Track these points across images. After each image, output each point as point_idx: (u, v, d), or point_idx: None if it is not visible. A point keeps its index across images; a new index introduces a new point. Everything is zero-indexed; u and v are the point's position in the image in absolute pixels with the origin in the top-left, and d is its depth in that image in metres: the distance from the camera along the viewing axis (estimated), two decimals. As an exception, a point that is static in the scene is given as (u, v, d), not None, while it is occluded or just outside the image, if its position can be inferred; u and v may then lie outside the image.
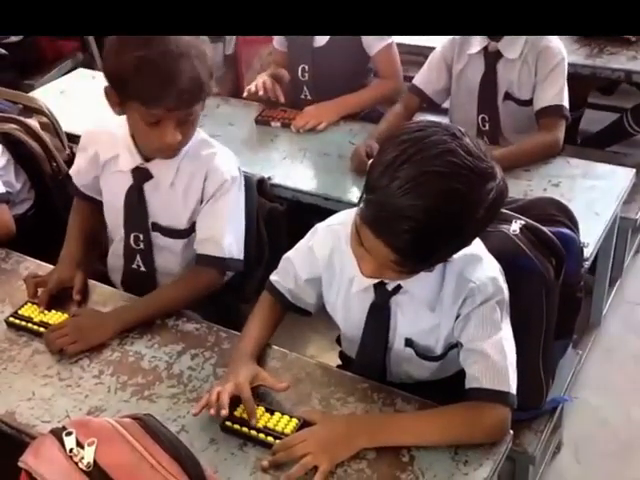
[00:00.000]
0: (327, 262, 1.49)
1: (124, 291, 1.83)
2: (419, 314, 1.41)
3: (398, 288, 1.40)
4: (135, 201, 1.78)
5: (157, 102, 1.54)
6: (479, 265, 1.37)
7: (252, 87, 2.49)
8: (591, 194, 2.01)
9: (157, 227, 1.80)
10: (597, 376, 2.35)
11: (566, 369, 1.81)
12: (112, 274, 1.94)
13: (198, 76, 1.55)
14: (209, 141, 1.78)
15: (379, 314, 1.45)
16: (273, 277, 1.59)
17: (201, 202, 1.75)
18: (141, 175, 1.75)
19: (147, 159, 1.73)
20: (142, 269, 1.85)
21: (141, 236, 1.81)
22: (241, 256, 1.76)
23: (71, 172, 1.91)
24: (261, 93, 2.46)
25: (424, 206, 1.16)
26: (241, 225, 1.78)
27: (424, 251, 1.21)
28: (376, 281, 1.40)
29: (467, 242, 1.29)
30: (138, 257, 1.85)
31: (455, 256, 1.35)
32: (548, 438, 1.77)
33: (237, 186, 1.76)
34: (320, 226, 1.53)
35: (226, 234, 1.72)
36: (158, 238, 1.81)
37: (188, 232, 1.79)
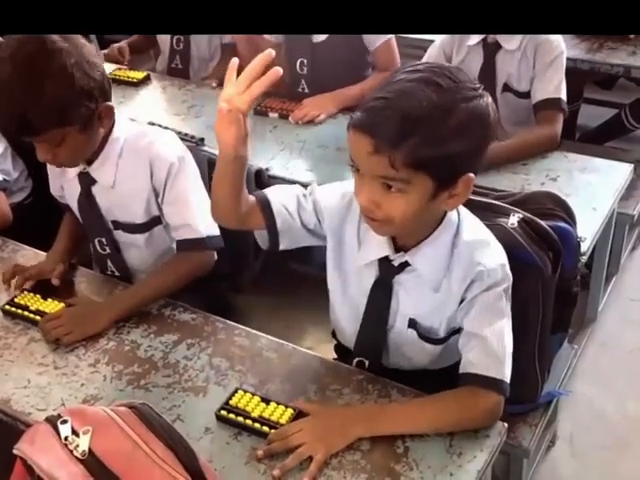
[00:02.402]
0: (337, 228, 1.44)
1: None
2: (422, 294, 1.40)
3: (404, 265, 1.39)
4: (87, 206, 1.78)
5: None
6: (488, 250, 1.36)
7: None
8: (589, 189, 2.00)
9: (118, 225, 1.80)
10: (593, 370, 2.35)
11: (562, 363, 1.81)
12: None
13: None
14: (145, 131, 1.77)
15: (381, 292, 1.43)
16: (270, 194, 1.45)
17: (155, 192, 1.74)
18: (86, 180, 1.74)
19: (89, 163, 1.72)
20: (117, 274, 1.86)
21: (104, 240, 1.81)
22: (217, 231, 1.74)
23: (51, 190, 1.91)
24: None
25: (409, 90, 1.19)
26: (205, 200, 1.75)
27: (403, 134, 1.17)
28: (381, 255, 1.39)
29: (447, 164, 1.21)
30: (109, 262, 1.85)
31: (465, 239, 1.35)
32: (543, 432, 1.77)
33: (187, 163, 1.75)
34: (337, 189, 1.46)
35: (196, 215, 1.72)
36: (121, 236, 1.81)
37: (149, 225, 1.79)
